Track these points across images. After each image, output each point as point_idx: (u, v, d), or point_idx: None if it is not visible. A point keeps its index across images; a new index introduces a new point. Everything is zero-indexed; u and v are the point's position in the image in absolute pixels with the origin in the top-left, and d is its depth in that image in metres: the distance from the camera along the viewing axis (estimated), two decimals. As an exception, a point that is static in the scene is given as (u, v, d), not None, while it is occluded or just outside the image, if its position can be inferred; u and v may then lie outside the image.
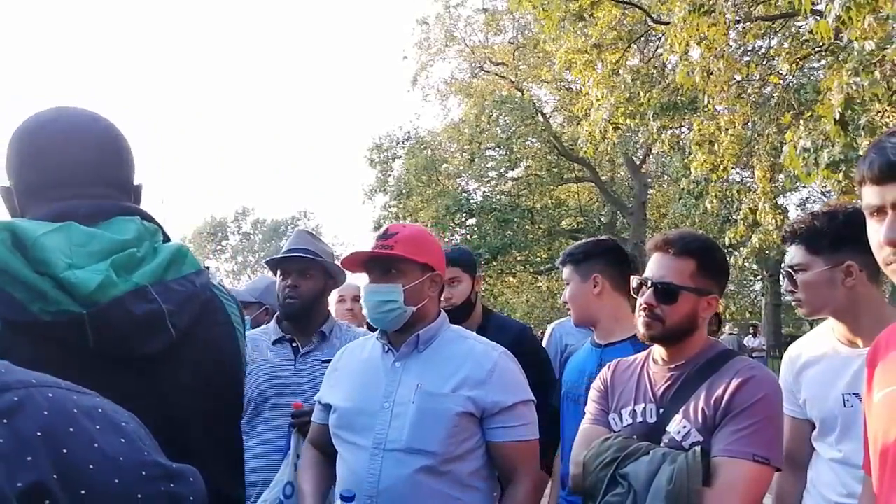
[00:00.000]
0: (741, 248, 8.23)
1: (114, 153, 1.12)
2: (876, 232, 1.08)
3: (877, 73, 4.74)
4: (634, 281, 1.72)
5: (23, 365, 0.81)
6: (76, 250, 0.95)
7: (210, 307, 1.13)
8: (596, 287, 2.23)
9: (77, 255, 0.95)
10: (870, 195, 1.08)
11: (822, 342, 1.85)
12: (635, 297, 1.71)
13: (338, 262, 2.56)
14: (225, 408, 1.16)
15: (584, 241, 2.51)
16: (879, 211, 1.07)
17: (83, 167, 1.08)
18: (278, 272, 2.55)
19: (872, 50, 4.54)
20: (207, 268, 1.17)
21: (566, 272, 2.34)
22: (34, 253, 0.91)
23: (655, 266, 1.68)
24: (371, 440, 1.69)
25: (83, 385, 0.84)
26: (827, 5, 4.54)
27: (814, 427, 1.82)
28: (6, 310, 0.90)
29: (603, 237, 2.51)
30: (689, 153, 8.56)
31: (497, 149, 18.36)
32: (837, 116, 4.73)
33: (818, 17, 4.90)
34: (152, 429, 0.92)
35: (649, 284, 1.66)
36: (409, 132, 19.68)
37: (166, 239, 1.14)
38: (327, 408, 1.87)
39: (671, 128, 9.74)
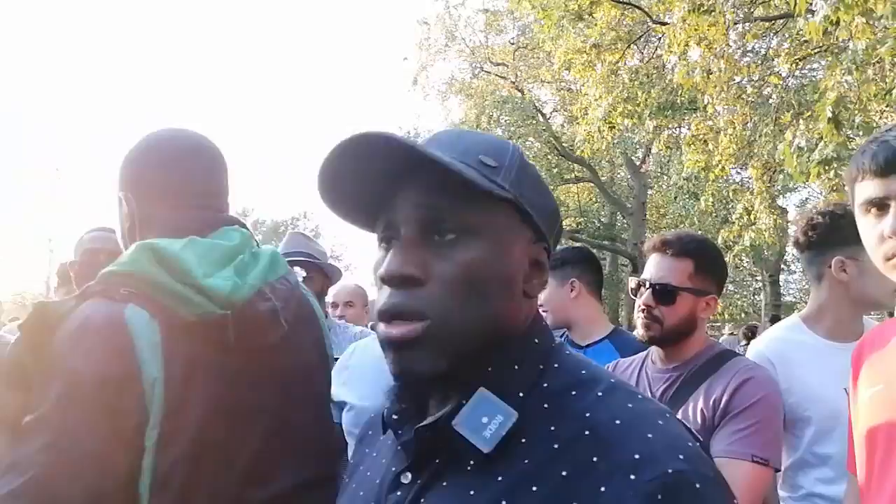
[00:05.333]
0: (735, 248, 8.24)
1: (220, 170, 1.29)
2: (873, 227, 1.05)
3: (870, 72, 4.75)
4: (633, 282, 1.73)
5: (180, 357, 1.05)
6: (202, 261, 1.11)
7: (302, 303, 1.30)
8: (573, 291, 2.32)
9: (204, 265, 1.11)
10: (870, 188, 1.05)
11: (802, 338, 1.84)
12: (634, 297, 1.72)
13: (333, 262, 2.58)
14: (326, 388, 1.36)
15: (560, 248, 2.61)
16: (881, 205, 1.04)
17: (200, 181, 1.25)
18: None
19: (866, 49, 4.54)
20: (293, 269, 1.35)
21: None
22: (178, 265, 1.07)
23: (654, 267, 1.68)
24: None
25: (226, 372, 1.09)
26: (817, 3, 4.55)
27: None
28: (161, 314, 1.06)
29: (577, 245, 2.60)
30: (684, 153, 8.59)
31: (497, 149, 18.33)
32: (830, 115, 4.74)
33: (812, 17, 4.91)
34: (276, 410, 1.17)
35: (647, 285, 1.66)
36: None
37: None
38: (340, 406, 1.87)
39: (669, 127, 9.75)
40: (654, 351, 1.72)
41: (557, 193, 18.82)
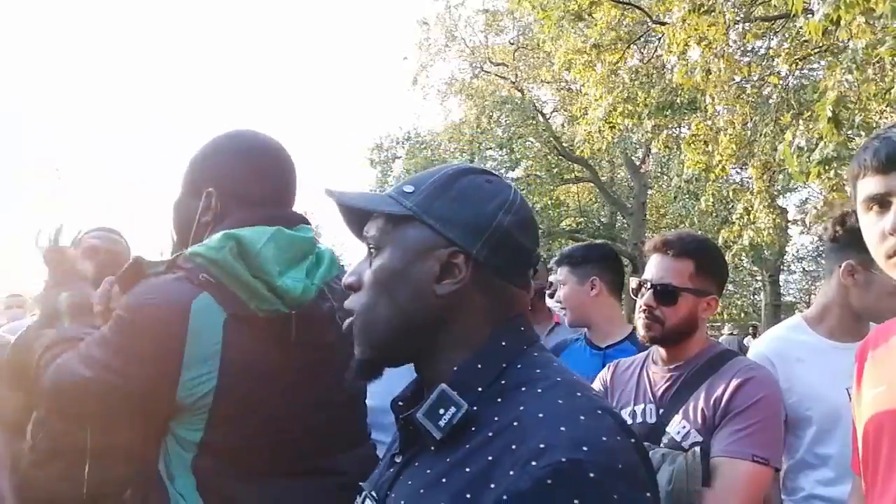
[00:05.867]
0: (734, 247, 8.24)
1: (294, 173, 1.38)
2: (874, 224, 1.05)
3: (869, 71, 4.75)
4: (633, 282, 1.73)
5: (242, 350, 1.13)
6: (281, 256, 1.19)
7: None
8: (593, 290, 2.29)
9: (281, 261, 1.18)
10: (871, 185, 1.04)
11: (803, 338, 1.82)
12: (635, 298, 1.72)
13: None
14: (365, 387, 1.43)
15: (581, 244, 2.59)
16: (882, 202, 1.03)
17: (287, 186, 1.35)
18: None
19: (866, 48, 4.54)
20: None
21: (562, 273, 2.38)
22: (257, 262, 1.15)
23: (654, 267, 1.68)
24: None
25: (287, 369, 1.17)
26: (817, 4, 4.55)
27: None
28: (231, 305, 1.13)
29: (599, 241, 2.58)
30: (684, 153, 8.60)
31: (497, 149, 18.35)
32: (830, 114, 4.74)
33: (812, 17, 4.91)
34: (337, 405, 1.25)
35: (649, 286, 1.66)
36: (409, 132, 19.68)
37: None
38: None
39: (669, 127, 9.76)
40: (656, 350, 1.72)
41: (557, 193, 18.82)
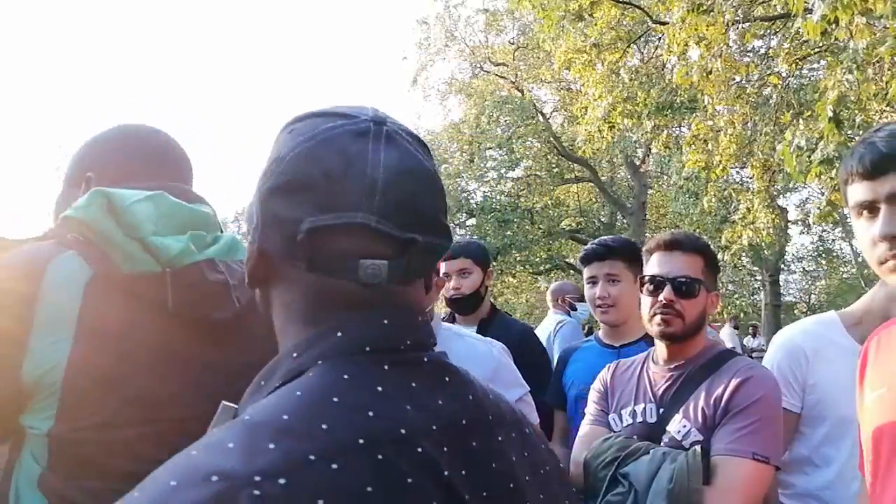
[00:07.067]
0: (733, 247, 8.26)
1: (187, 161, 1.29)
2: (867, 230, 1.06)
3: (870, 71, 4.76)
4: (644, 278, 1.72)
5: (105, 314, 0.99)
6: (162, 220, 1.06)
7: None
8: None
9: (161, 225, 1.05)
10: (860, 191, 1.06)
11: (836, 338, 1.75)
12: (642, 295, 1.71)
13: None
14: None
15: (619, 237, 2.43)
16: (871, 208, 1.05)
17: (174, 168, 1.24)
18: None
19: (865, 48, 4.55)
20: None
21: (618, 266, 2.23)
22: (125, 218, 1.02)
23: (667, 264, 1.67)
24: None
25: (164, 344, 1.02)
26: (814, 3, 4.55)
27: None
28: (98, 263, 1.01)
29: (623, 237, 2.48)
30: (684, 153, 8.62)
31: (497, 149, 18.37)
32: (831, 114, 4.76)
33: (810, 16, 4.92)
34: (223, 394, 1.02)
35: (666, 281, 1.65)
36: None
37: None
38: None
39: (669, 127, 9.77)
40: (656, 350, 1.73)
41: (557, 193, 18.85)
